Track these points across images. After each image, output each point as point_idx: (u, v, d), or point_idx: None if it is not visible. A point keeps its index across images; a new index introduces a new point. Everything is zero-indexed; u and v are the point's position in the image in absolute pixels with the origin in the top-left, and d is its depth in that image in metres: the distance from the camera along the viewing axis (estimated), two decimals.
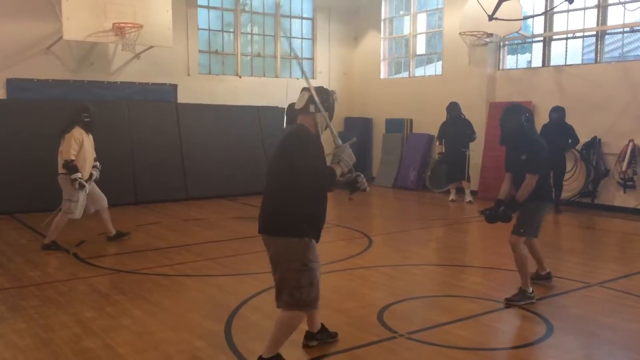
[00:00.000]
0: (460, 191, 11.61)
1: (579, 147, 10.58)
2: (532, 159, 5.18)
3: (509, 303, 5.15)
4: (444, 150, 11.64)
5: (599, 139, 10.45)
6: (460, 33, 11.47)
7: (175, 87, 12.48)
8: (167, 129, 11.69)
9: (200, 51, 13.03)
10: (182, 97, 12.46)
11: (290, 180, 3.60)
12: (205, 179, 11.74)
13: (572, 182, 10.75)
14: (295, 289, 3.63)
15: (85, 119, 7.16)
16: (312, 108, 3.74)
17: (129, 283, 5.86)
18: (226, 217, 9.72)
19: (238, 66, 13.62)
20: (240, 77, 13.57)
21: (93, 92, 11.34)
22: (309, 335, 4.21)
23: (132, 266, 6.49)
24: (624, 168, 10.00)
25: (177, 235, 8.20)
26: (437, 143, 11.92)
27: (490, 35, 11.28)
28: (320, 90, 3.85)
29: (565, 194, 10.75)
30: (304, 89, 3.86)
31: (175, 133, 11.75)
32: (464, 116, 11.45)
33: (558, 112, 9.96)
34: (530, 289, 5.26)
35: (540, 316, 4.91)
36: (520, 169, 5.26)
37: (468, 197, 11.32)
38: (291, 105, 9.34)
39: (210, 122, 12.18)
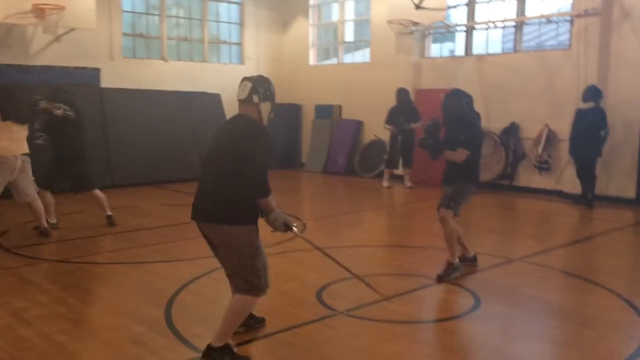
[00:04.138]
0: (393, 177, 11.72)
1: (498, 132, 11.14)
2: (469, 138, 5.54)
3: (441, 279, 5.41)
4: (394, 130, 11.19)
5: (517, 124, 11.03)
6: (388, 21, 11.72)
7: (98, 71, 12.04)
8: (91, 114, 11.21)
9: (124, 34, 12.63)
10: (106, 82, 12.04)
11: (240, 169, 3.50)
12: (131, 166, 11.43)
13: (493, 166, 11.31)
14: (250, 274, 3.59)
15: None
16: (255, 98, 3.71)
17: (60, 272, 5.69)
18: (156, 204, 9.55)
19: (164, 50, 13.31)
20: (166, 61, 13.27)
21: (11, 76, 10.73)
22: None
23: (61, 255, 6.30)
24: (539, 151, 10.61)
25: (105, 224, 7.94)
26: (386, 125, 11.37)
27: (416, 24, 11.59)
28: (261, 79, 3.85)
29: (485, 177, 11.27)
30: (245, 79, 3.82)
31: (99, 118, 11.36)
32: (413, 103, 11.47)
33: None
34: (456, 260, 5.58)
35: (468, 290, 5.21)
36: (456, 147, 5.54)
37: (409, 183, 11.39)
38: None
39: (136, 107, 11.85)
